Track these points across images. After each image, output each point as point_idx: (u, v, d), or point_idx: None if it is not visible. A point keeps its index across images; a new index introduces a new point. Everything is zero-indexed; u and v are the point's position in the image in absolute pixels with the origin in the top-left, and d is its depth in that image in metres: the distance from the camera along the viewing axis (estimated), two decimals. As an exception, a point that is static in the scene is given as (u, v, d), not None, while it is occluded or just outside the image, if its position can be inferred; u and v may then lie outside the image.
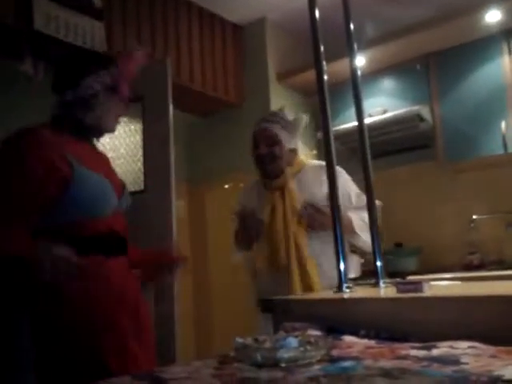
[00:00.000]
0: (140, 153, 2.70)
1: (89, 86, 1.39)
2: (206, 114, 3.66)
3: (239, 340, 0.73)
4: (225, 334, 3.12)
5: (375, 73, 3.31)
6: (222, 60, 3.42)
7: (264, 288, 1.89)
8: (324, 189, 1.77)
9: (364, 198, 1.44)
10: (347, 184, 1.94)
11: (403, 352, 0.75)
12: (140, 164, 2.71)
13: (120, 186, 1.48)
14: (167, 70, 2.60)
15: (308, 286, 1.81)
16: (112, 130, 1.49)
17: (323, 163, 1.87)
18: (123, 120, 3.08)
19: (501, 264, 2.80)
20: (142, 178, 2.67)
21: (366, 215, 1.40)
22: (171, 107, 2.53)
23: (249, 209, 1.88)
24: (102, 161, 1.51)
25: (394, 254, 2.97)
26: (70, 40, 2.34)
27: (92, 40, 2.45)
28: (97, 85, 1.39)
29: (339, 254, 1.20)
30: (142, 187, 2.63)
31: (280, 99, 3.40)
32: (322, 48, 1.26)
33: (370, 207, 1.38)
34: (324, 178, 1.89)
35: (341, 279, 1.17)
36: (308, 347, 0.71)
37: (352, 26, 1.45)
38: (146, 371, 0.66)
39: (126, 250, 1.44)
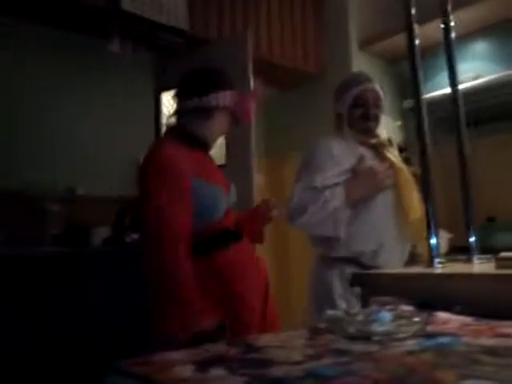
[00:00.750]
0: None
1: (216, 97, 1.51)
2: (286, 86, 3.63)
3: (330, 312, 0.73)
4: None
5: (466, 36, 3.09)
6: (301, 29, 3.35)
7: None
8: None
9: None
10: None
11: (505, 330, 0.71)
12: (221, 138, 2.75)
13: (228, 185, 1.59)
14: (248, 43, 2.60)
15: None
16: (211, 146, 1.61)
17: None
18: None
19: None
20: (223, 151, 2.72)
21: None
22: (252, 80, 2.54)
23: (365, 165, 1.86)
24: (213, 166, 1.61)
25: (487, 229, 2.81)
26: (154, 18, 2.40)
27: (175, 17, 2.49)
28: (222, 100, 1.52)
29: (431, 228, 1.16)
30: (224, 161, 2.68)
31: (362, 68, 3.28)
32: (413, 10, 1.19)
33: (465, 180, 1.31)
34: None
35: (432, 254, 1.12)
36: (403, 321, 0.69)
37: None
38: (241, 339, 0.68)
39: (240, 238, 1.57)
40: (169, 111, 3.20)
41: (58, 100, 3.04)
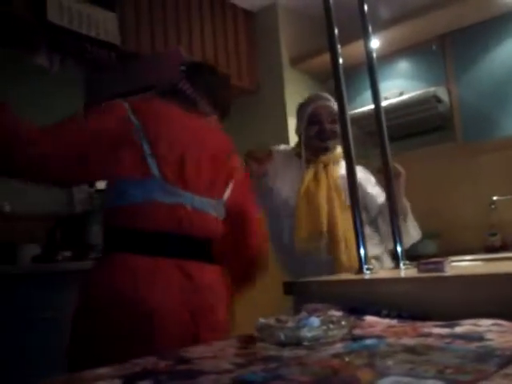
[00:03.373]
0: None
1: None
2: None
3: (262, 320, 0.74)
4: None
5: (391, 55, 3.27)
6: (234, 47, 3.41)
7: (296, 267, 1.86)
8: (372, 189, 1.89)
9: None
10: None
11: (426, 330, 0.75)
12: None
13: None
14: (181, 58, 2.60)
15: (352, 258, 1.73)
16: None
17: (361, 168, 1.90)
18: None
19: (523, 245, 2.77)
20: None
21: None
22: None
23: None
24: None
25: (414, 238, 2.95)
26: (83, 31, 2.36)
27: (105, 31, 2.46)
28: None
29: (359, 237, 1.20)
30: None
31: (294, 84, 3.38)
32: (336, 31, 1.25)
33: (389, 192, 1.37)
34: (370, 178, 1.91)
35: (361, 261, 1.17)
36: (330, 326, 0.71)
37: (366, 8, 1.43)
38: (171, 351, 0.67)
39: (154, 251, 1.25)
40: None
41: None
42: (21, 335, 2.09)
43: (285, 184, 1.91)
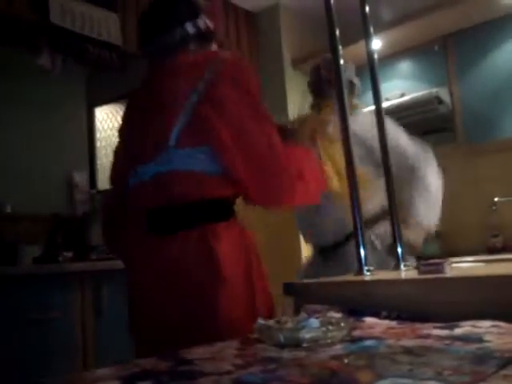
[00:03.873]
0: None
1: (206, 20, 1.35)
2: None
3: (261, 321, 0.74)
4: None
5: (392, 56, 3.27)
6: (236, 48, 3.41)
7: None
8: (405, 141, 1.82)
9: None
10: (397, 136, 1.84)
11: (425, 331, 0.75)
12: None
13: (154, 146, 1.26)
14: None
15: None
16: None
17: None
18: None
19: (525, 246, 2.76)
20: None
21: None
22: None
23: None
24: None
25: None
26: (85, 32, 2.37)
27: (108, 32, 2.46)
28: (191, 28, 1.34)
29: (359, 237, 1.20)
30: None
31: (295, 85, 3.38)
32: (337, 32, 1.25)
33: (390, 193, 1.37)
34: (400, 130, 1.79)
35: (361, 262, 1.17)
36: (330, 327, 0.72)
37: (367, 9, 1.43)
38: (171, 352, 0.68)
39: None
40: (103, 126, 3.14)
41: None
42: (21, 336, 2.10)
43: None
